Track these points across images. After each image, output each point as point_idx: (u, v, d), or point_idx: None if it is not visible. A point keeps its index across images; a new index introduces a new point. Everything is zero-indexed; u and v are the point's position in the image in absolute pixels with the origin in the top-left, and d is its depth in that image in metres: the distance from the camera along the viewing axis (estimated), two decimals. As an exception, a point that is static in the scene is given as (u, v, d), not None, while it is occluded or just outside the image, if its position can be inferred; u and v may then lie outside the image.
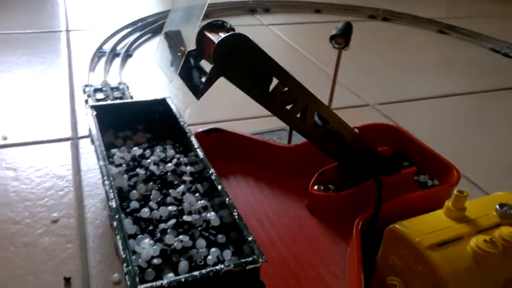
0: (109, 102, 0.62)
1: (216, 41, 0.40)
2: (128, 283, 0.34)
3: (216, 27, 0.45)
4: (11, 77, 0.94)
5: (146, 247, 0.41)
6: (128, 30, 1.21)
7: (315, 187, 0.59)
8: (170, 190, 0.48)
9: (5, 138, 0.71)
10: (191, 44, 0.40)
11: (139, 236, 0.42)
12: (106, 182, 0.44)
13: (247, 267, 0.36)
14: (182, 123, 0.56)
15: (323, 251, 0.53)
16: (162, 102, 0.61)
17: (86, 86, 0.89)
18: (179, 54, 0.38)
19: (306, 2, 1.65)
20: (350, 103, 0.97)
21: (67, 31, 1.22)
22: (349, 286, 0.47)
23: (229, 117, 0.85)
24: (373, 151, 0.55)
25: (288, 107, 0.48)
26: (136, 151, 0.54)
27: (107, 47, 1.09)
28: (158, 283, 0.34)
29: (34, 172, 0.66)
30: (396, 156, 0.67)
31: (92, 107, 0.58)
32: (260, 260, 0.37)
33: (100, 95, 0.84)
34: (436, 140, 0.72)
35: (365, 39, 1.38)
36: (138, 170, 0.50)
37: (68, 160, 0.68)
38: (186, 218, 0.44)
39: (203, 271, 0.36)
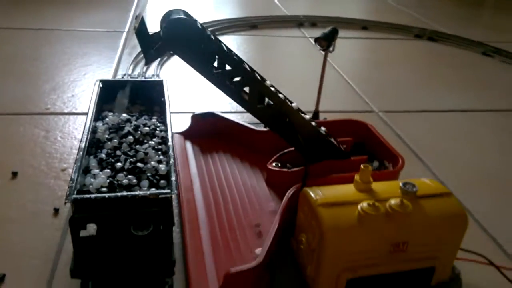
0: (116, 79, 0.75)
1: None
2: (67, 193, 0.45)
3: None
4: (67, 62, 1.13)
5: (99, 178, 0.52)
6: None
7: (273, 164, 0.67)
8: (137, 146, 0.60)
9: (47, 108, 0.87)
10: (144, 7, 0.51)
11: (97, 171, 0.54)
12: (85, 129, 0.57)
13: (160, 196, 0.46)
14: (166, 102, 0.67)
15: (262, 214, 0.62)
16: (159, 83, 0.73)
17: (124, 74, 1.05)
18: (136, 17, 0.49)
19: (354, 19, 1.71)
20: (355, 108, 1.02)
21: (128, 31, 1.41)
22: (266, 242, 0.54)
23: (232, 110, 0.95)
24: (319, 134, 0.62)
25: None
26: (125, 116, 0.67)
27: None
28: (87, 195, 0.45)
29: (60, 134, 0.82)
30: (360, 146, 0.72)
31: (100, 80, 0.71)
32: (172, 192, 0.46)
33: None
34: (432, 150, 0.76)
35: (404, 56, 1.42)
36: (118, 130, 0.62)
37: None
38: (139, 164, 0.55)
39: (124, 193, 0.46)
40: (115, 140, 0.60)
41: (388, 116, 1.00)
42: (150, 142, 0.61)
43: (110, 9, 1.63)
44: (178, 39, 0.51)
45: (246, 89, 0.59)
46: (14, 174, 0.70)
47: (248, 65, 0.58)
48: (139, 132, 0.63)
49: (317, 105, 0.83)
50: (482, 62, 1.42)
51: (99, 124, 0.64)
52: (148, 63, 0.52)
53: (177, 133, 0.80)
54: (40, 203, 0.64)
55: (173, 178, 0.49)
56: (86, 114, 0.61)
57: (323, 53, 0.78)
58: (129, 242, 0.45)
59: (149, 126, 0.65)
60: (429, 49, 1.51)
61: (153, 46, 0.50)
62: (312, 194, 0.50)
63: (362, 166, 0.51)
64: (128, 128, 0.63)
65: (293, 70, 1.24)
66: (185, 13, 0.54)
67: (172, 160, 0.53)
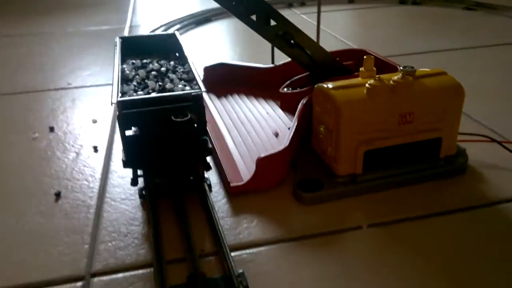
0: (133, 35, 0.82)
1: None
2: (112, 97, 0.52)
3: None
4: (77, 52, 1.21)
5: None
6: (177, 22, 1.45)
7: (285, 89, 0.74)
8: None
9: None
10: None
11: (132, 92, 0.61)
12: (114, 66, 0.64)
13: (192, 93, 0.53)
14: (185, 51, 0.74)
15: (280, 127, 0.68)
16: (172, 36, 0.81)
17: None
18: None
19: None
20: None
21: (130, 26, 1.49)
22: (289, 132, 0.60)
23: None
24: (325, 53, 0.69)
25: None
26: (147, 60, 0.74)
27: (157, 31, 1.34)
28: (131, 98, 0.52)
29: (86, 99, 0.89)
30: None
31: (120, 37, 0.79)
32: (201, 90, 0.53)
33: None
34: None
35: (390, 19, 1.50)
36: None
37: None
38: (168, 86, 0.62)
39: (164, 94, 0.53)
40: (142, 72, 0.67)
41: (383, 60, 1.07)
42: (173, 75, 0.68)
43: (109, 12, 1.71)
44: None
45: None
46: (51, 129, 0.77)
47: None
48: (162, 68, 0.70)
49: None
50: (465, 15, 1.50)
51: (125, 66, 0.71)
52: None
53: (192, 84, 0.87)
54: (79, 146, 0.71)
55: (199, 79, 0.56)
56: (113, 64, 0.68)
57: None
58: (171, 130, 0.51)
59: (170, 65, 0.72)
60: (413, 11, 1.59)
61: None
62: (324, 85, 0.57)
63: (365, 56, 0.58)
64: (151, 66, 0.70)
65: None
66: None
67: (193, 65, 0.60)
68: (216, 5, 0.69)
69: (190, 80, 0.66)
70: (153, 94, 0.55)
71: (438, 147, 0.58)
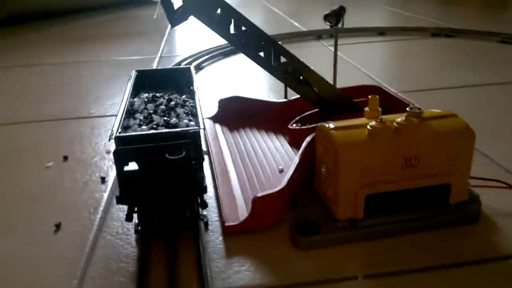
0: (148, 68, 0.84)
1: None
2: (111, 133, 0.53)
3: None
4: (105, 82, 1.25)
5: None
6: (204, 53, 1.48)
7: (294, 125, 0.73)
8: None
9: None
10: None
11: (136, 127, 0.61)
12: (123, 100, 0.65)
13: (190, 131, 0.53)
14: (194, 86, 0.75)
15: (285, 163, 0.67)
16: (187, 70, 0.82)
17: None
18: None
19: (370, 27, 1.78)
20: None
21: (160, 56, 1.54)
22: (289, 171, 0.58)
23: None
24: (334, 90, 0.68)
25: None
26: (159, 94, 0.75)
27: (183, 63, 1.37)
28: (128, 133, 0.53)
29: (104, 129, 0.91)
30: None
31: (136, 71, 0.80)
32: (199, 127, 0.53)
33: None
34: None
35: (421, 51, 1.47)
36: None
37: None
38: (172, 121, 0.62)
39: (160, 130, 0.53)
40: (151, 106, 0.68)
41: (408, 95, 1.04)
42: (181, 109, 0.69)
43: (144, 42, 1.77)
44: (198, 3, 0.59)
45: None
46: (65, 158, 0.78)
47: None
48: (172, 102, 0.71)
49: (334, 81, 0.89)
50: (500, 48, 1.44)
51: (136, 99, 0.72)
52: (173, 26, 0.60)
53: (206, 118, 0.88)
54: (88, 176, 0.72)
55: (200, 118, 0.56)
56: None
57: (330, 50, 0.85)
58: (165, 168, 0.51)
59: (180, 99, 0.73)
60: (446, 44, 1.55)
61: (176, 12, 0.59)
62: (325, 124, 0.55)
63: (369, 96, 0.56)
64: (161, 100, 0.71)
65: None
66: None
67: (198, 101, 0.60)
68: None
69: (197, 115, 0.66)
70: (152, 131, 0.55)
71: (448, 193, 0.55)
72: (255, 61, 0.65)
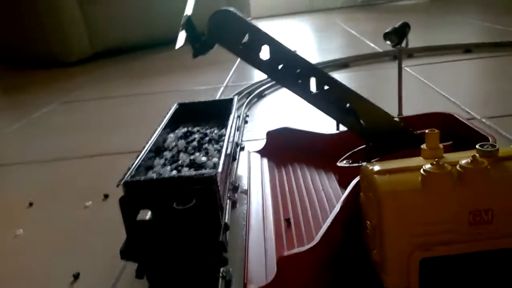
0: (192, 101, 0.78)
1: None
2: (121, 178, 0.47)
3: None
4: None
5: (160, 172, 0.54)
6: (268, 80, 1.42)
7: (344, 162, 0.62)
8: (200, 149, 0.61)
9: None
10: (191, 10, 0.53)
11: (159, 167, 0.56)
12: (154, 134, 0.60)
13: (204, 175, 0.46)
14: (231, 117, 0.68)
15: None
16: (230, 101, 0.75)
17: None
18: (184, 16, 0.52)
19: (455, 44, 1.61)
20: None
21: (226, 86, 1.51)
22: (324, 227, 0.48)
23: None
24: (388, 120, 0.57)
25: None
26: (196, 128, 0.69)
27: (246, 90, 1.32)
28: (136, 178, 0.47)
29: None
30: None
31: (178, 104, 0.76)
32: (215, 171, 0.46)
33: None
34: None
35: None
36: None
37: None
38: (199, 160, 0.56)
39: (171, 174, 0.47)
40: (182, 142, 0.62)
41: (494, 121, 0.88)
42: (214, 145, 0.62)
43: (215, 71, 1.76)
44: (223, 29, 0.53)
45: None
46: (106, 196, 0.76)
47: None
48: (206, 138, 0.65)
49: (400, 107, 0.77)
50: None
51: (171, 135, 0.67)
52: (195, 56, 0.54)
53: (254, 151, 0.80)
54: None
55: (221, 160, 0.49)
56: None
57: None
58: (173, 218, 0.44)
59: (216, 134, 0.66)
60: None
61: (200, 40, 0.53)
62: (369, 166, 0.45)
63: (427, 130, 0.45)
64: (195, 135, 0.65)
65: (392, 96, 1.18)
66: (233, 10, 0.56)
67: (228, 137, 0.53)
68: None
69: (228, 153, 0.59)
70: (157, 176, 0.48)
71: (538, 259, 0.41)
72: (292, 90, 0.56)
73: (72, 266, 0.57)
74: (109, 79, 1.91)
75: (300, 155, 0.75)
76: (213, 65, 1.87)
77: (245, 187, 0.69)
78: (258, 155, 0.79)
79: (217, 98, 1.36)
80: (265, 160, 0.77)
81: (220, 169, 0.46)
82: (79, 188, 0.82)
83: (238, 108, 1.16)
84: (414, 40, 1.74)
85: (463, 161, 0.40)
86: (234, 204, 0.65)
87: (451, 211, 0.40)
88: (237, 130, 0.76)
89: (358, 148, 0.63)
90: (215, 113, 0.73)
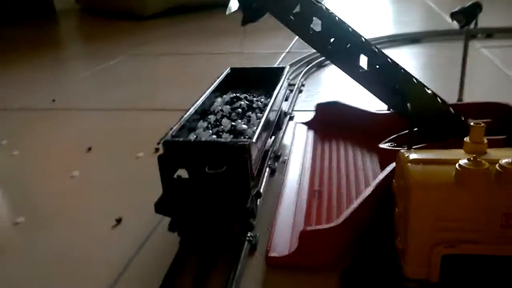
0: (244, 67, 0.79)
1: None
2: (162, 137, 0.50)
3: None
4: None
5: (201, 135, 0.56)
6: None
7: (388, 144, 0.61)
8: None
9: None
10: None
11: (201, 130, 0.57)
12: (201, 97, 0.62)
13: (238, 143, 0.47)
14: (278, 87, 0.68)
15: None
16: (281, 70, 0.75)
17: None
18: None
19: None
20: None
21: (288, 52, 1.49)
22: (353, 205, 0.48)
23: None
24: (437, 107, 0.54)
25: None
26: (244, 95, 0.70)
27: (307, 59, 1.31)
28: (176, 139, 0.49)
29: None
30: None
31: (230, 69, 0.77)
32: (249, 141, 0.47)
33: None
34: None
35: None
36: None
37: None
38: (239, 127, 0.57)
39: (207, 139, 0.48)
40: (227, 108, 0.64)
41: None
42: (258, 114, 0.63)
43: (278, 38, 1.73)
44: (274, -1, 0.52)
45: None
46: (156, 150, 0.79)
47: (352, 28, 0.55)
48: (252, 105, 0.66)
49: (461, 93, 0.73)
50: None
51: (219, 99, 0.69)
52: (244, 23, 0.54)
53: (301, 123, 0.80)
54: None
55: (258, 130, 0.50)
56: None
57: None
58: (205, 181, 0.46)
59: (262, 102, 0.67)
60: None
61: (251, 7, 0.53)
62: (405, 153, 0.43)
63: (472, 123, 0.42)
64: (241, 101, 0.66)
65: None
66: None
67: (270, 107, 0.54)
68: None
69: (270, 122, 0.60)
70: (202, 138, 0.50)
71: None
72: (342, 67, 0.55)
73: (116, 210, 0.61)
74: (179, 35, 1.95)
75: (347, 130, 0.74)
76: (278, 30, 1.84)
77: (287, 157, 0.69)
78: (305, 127, 0.79)
79: (277, 64, 1.35)
80: (311, 132, 0.77)
81: (255, 139, 0.47)
82: (134, 139, 0.86)
83: (295, 77, 1.15)
84: (495, 19, 1.61)
85: (504, 160, 0.38)
86: (273, 172, 0.66)
87: (482, 210, 0.38)
88: (286, 99, 0.76)
89: (405, 131, 0.61)
90: (265, 80, 0.74)
